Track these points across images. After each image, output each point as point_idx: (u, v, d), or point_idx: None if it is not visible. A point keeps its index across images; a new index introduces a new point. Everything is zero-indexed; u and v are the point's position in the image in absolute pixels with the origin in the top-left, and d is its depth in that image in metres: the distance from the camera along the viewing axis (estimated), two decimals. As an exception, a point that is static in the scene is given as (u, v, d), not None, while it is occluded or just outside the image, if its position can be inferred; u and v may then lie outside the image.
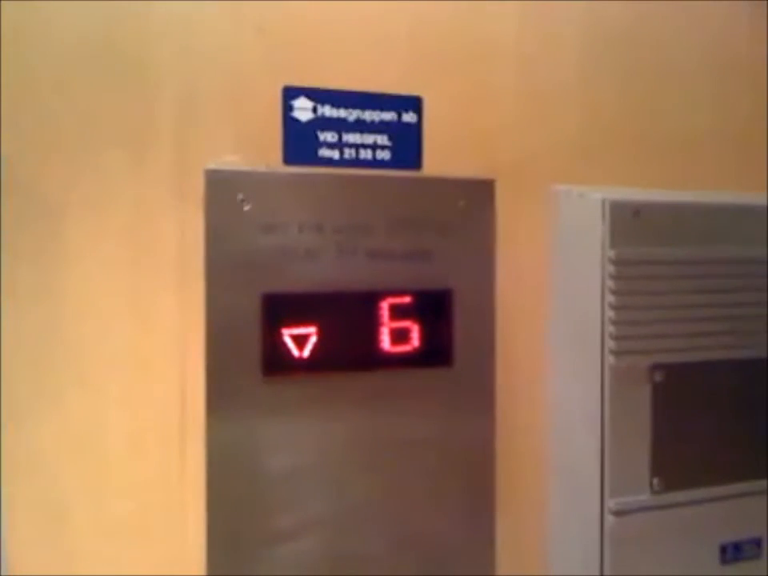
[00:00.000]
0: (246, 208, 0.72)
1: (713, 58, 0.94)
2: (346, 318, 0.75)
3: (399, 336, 0.77)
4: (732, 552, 0.88)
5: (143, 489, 0.72)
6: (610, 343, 0.80)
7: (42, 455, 0.70)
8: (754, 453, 0.88)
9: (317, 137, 0.76)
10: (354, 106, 0.78)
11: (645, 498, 0.83)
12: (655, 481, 0.83)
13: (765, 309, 0.86)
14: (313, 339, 0.74)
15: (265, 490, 0.73)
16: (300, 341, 0.73)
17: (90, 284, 0.71)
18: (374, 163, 0.78)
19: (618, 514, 0.82)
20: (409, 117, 0.80)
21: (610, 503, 0.81)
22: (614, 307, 0.80)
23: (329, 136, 0.77)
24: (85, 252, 0.71)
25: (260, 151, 0.75)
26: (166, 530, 0.73)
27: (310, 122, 0.76)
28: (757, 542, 0.89)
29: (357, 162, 0.78)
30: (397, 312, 0.77)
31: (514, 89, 0.85)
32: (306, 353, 0.74)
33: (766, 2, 0.95)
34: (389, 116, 0.79)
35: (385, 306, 0.76)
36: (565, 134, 0.87)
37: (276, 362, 0.73)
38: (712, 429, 0.86)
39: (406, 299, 0.77)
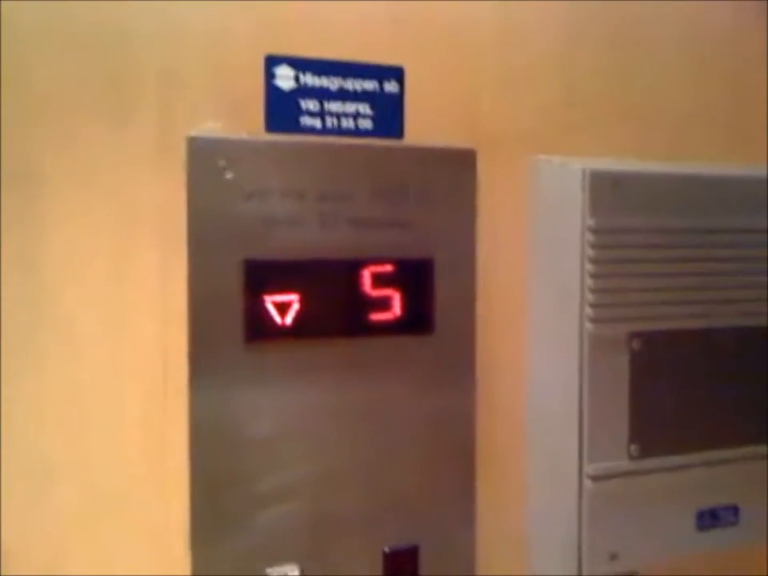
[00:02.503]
0: (229, 175, 0.73)
1: (696, 29, 0.94)
2: (328, 285, 0.76)
3: (381, 304, 0.77)
4: (708, 519, 0.89)
5: (126, 458, 0.73)
6: (589, 311, 0.81)
7: (23, 425, 0.70)
8: (732, 420, 0.89)
9: (299, 105, 0.76)
10: (336, 75, 0.78)
11: (623, 463, 0.84)
12: (633, 447, 0.84)
13: (744, 278, 0.87)
14: (295, 306, 0.74)
15: (248, 456, 0.74)
16: (282, 308, 0.74)
17: (71, 252, 0.71)
18: (356, 132, 0.79)
19: (596, 479, 0.83)
20: (391, 86, 0.80)
21: (589, 469, 0.83)
22: (593, 275, 0.81)
23: (311, 104, 0.77)
24: (66, 220, 0.70)
25: (242, 119, 0.75)
26: (150, 497, 0.73)
27: (292, 91, 0.76)
28: (733, 510, 0.90)
29: (339, 131, 0.78)
30: (379, 280, 0.77)
31: (496, 59, 0.85)
32: (289, 320, 0.74)
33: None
34: (371, 85, 0.79)
35: (367, 273, 0.77)
36: (547, 104, 0.87)
37: (258, 329, 0.73)
38: (690, 396, 0.87)
39: (388, 267, 0.78)
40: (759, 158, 0.95)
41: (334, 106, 0.78)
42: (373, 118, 0.79)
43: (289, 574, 0.75)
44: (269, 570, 0.75)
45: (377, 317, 0.77)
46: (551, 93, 0.87)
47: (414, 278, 0.79)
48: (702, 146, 0.94)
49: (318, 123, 0.77)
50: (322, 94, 0.77)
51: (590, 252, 0.81)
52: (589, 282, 0.81)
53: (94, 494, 0.72)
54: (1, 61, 0.68)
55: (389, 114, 0.80)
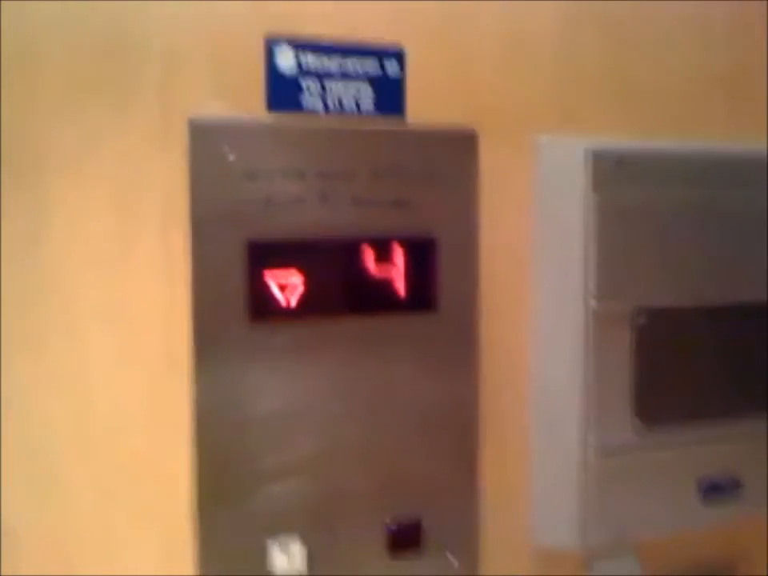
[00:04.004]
0: (230, 157, 0.73)
1: (696, 5, 0.94)
2: (331, 264, 0.77)
3: (384, 282, 0.78)
4: (712, 491, 0.90)
5: (131, 436, 0.74)
6: (593, 288, 0.82)
7: (28, 406, 0.71)
8: (735, 394, 0.90)
9: (300, 86, 0.77)
10: (338, 56, 0.78)
11: (627, 437, 0.85)
12: (637, 421, 0.85)
13: (747, 254, 0.87)
14: (298, 285, 0.75)
15: (252, 434, 0.75)
16: (286, 287, 0.75)
17: (72, 233, 0.71)
18: (357, 112, 0.79)
19: (601, 453, 0.84)
20: (392, 67, 0.80)
21: (593, 442, 0.84)
22: (597, 252, 0.81)
23: (312, 85, 0.77)
24: (68, 201, 0.71)
25: (244, 100, 0.75)
26: (155, 474, 0.75)
27: (293, 71, 0.76)
28: (736, 483, 0.91)
29: (340, 111, 0.78)
30: (381, 259, 0.78)
31: (496, 39, 0.85)
32: (292, 299, 0.75)
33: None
34: (372, 66, 0.79)
35: (369, 252, 0.77)
36: (548, 84, 0.87)
37: (262, 308, 0.74)
38: (693, 371, 0.88)
39: (391, 246, 0.78)
40: (760, 133, 0.95)
41: (335, 87, 0.78)
42: (374, 99, 0.79)
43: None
44: (270, 541, 0.76)
45: (380, 295, 0.78)
46: (552, 73, 0.87)
47: (417, 256, 0.79)
48: (704, 122, 0.94)
49: (319, 103, 0.77)
50: (323, 75, 0.77)
51: (593, 229, 0.81)
52: (593, 258, 0.81)
53: (98, 472, 0.73)
54: (1, 37, 0.68)
55: (390, 95, 0.80)
